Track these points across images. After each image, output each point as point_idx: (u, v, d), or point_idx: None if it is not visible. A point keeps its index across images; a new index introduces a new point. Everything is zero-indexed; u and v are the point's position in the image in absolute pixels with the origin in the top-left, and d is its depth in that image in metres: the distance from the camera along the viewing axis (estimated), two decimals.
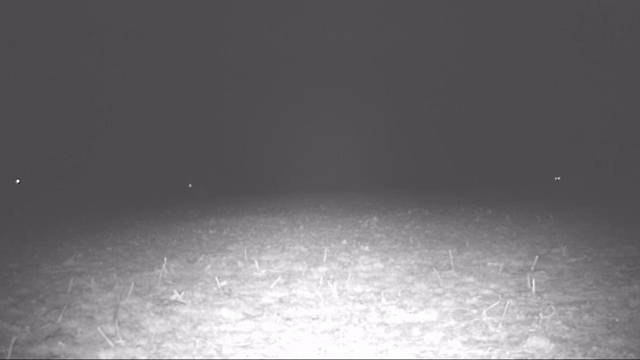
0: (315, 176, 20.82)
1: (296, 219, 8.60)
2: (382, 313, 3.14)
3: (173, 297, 3.56)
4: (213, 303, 3.46)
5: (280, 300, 3.52)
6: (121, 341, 2.73)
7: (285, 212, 9.67)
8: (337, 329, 2.87)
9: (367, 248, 5.45)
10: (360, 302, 3.40)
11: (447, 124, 24.92)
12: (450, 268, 4.36)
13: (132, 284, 3.91)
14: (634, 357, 2.37)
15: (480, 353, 2.47)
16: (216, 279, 4.09)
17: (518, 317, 2.96)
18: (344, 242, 5.91)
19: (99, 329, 2.87)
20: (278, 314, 3.18)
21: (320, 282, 3.95)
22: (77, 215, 11.23)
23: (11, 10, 20.91)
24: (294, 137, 24.23)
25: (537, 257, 4.53)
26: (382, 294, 3.57)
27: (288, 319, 3.10)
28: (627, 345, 2.51)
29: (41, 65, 22.05)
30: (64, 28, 22.19)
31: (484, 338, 2.67)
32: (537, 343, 2.51)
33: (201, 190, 17.95)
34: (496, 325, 2.83)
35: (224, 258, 5.06)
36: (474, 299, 3.39)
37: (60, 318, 3.12)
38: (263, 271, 4.42)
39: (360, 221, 7.91)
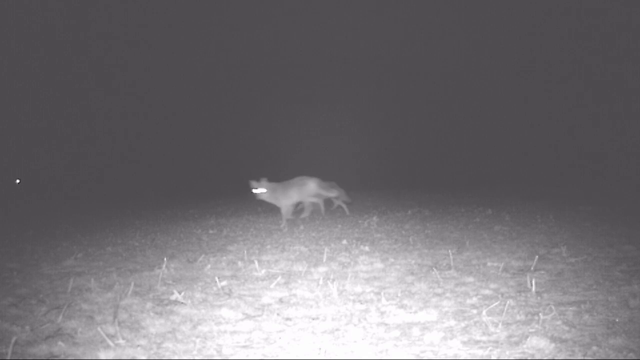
0: (315, 176, 20.81)
1: (296, 219, 8.60)
2: (382, 313, 3.14)
3: (173, 297, 3.56)
4: (213, 303, 3.46)
5: (280, 300, 3.52)
6: (121, 341, 2.73)
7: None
8: (337, 329, 2.88)
9: (367, 248, 5.45)
10: (360, 302, 3.40)
11: (447, 124, 24.94)
12: (450, 268, 4.37)
13: (132, 284, 3.92)
14: (634, 357, 2.38)
15: (480, 353, 2.48)
16: (216, 279, 4.09)
17: (518, 317, 2.96)
18: (344, 242, 5.91)
19: (99, 329, 2.87)
20: (278, 314, 3.18)
21: (320, 282, 3.95)
22: (77, 215, 11.23)
23: (12, 9, 20.95)
24: (294, 137, 24.24)
25: (537, 257, 4.53)
26: (382, 294, 3.57)
27: (288, 319, 3.10)
28: (627, 345, 2.51)
29: (41, 65, 22.07)
30: (63, 27, 22.21)
31: (484, 338, 2.67)
32: (537, 343, 2.52)
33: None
34: (496, 325, 2.83)
35: (224, 258, 5.06)
36: (474, 299, 3.39)
37: (60, 318, 3.12)
38: (263, 271, 4.42)
39: (360, 221, 7.91)
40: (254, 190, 7.67)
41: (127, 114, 24.18)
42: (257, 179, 7.69)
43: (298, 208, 9.33)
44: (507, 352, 2.47)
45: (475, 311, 3.12)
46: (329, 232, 6.89)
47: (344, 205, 9.38)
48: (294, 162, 23.17)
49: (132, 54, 24.03)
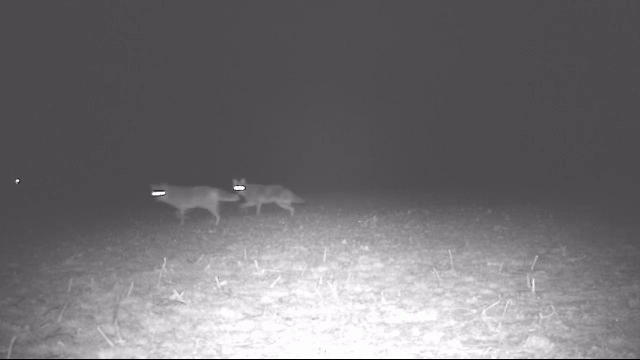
0: (315, 176, 20.81)
1: (296, 219, 8.60)
2: (382, 313, 3.14)
3: (173, 297, 3.57)
4: (213, 303, 3.46)
5: (280, 300, 3.52)
6: (121, 341, 2.73)
7: (285, 212, 9.67)
8: (337, 329, 2.88)
9: (367, 248, 5.45)
10: (360, 302, 3.40)
11: (447, 124, 24.94)
12: (450, 268, 4.37)
13: (132, 284, 3.92)
14: (634, 357, 2.38)
15: (480, 353, 2.48)
16: (216, 279, 4.09)
17: (518, 317, 2.96)
18: (344, 242, 5.92)
19: (99, 329, 2.87)
20: (278, 314, 3.18)
21: (320, 282, 3.95)
22: (77, 215, 11.23)
23: (14, 10, 20.95)
24: (293, 137, 24.24)
25: (537, 257, 4.53)
26: (382, 294, 3.58)
27: (288, 319, 3.10)
28: (627, 345, 2.51)
29: (41, 65, 22.07)
30: (64, 27, 22.20)
31: (484, 338, 2.67)
32: (537, 343, 2.52)
33: None
34: (496, 325, 2.84)
35: (224, 258, 5.06)
36: (474, 299, 3.39)
37: (60, 318, 3.13)
38: (263, 271, 4.43)
39: (360, 221, 7.91)
40: (153, 193, 8.33)
41: (126, 114, 24.20)
42: (158, 183, 8.33)
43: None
44: (507, 352, 2.47)
45: (475, 311, 3.12)
46: (329, 232, 6.90)
47: (290, 209, 9.43)
48: (294, 162, 23.17)
49: (133, 54, 24.04)
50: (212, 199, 8.50)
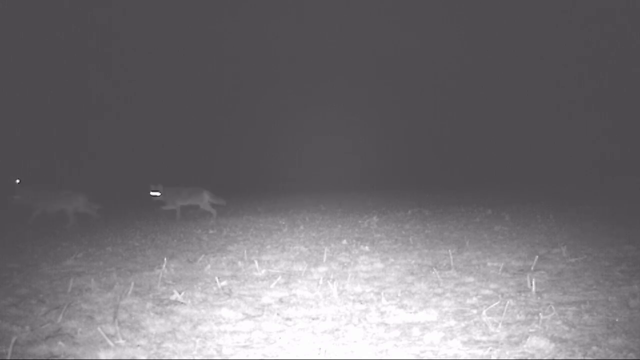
0: (315, 176, 20.80)
1: (296, 219, 8.60)
2: (382, 313, 3.14)
3: (173, 297, 3.57)
4: (213, 303, 3.46)
5: (280, 300, 3.53)
6: (121, 341, 2.73)
7: (285, 212, 9.67)
8: (337, 329, 2.88)
9: (367, 248, 5.45)
10: (360, 302, 3.40)
11: (447, 124, 24.93)
12: (450, 268, 4.37)
13: (132, 284, 3.92)
14: (634, 357, 2.38)
15: (480, 353, 2.48)
16: (216, 279, 4.10)
17: (518, 317, 2.97)
18: (344, 242, 5.92)
19: (99, 329, 2.87)
20: (278, 314, 3.18)
21: (320, 282, 3.95)
22: (76, 215, 11.19)
23: (12, 10, 20.95)
24: (293, 137, 24.23)
25: (537, 257, 4.53)
26: (382, 294, 3.58)
27: (288, 319, 3.11)
28: (627, 345, 2.51)
29: (41, 64, 22.07)
30: (62, 27, 22.20)
31: (484, 338, 2.67)
32: (537, 343, 2.52)
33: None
34: (496, 325, 2.84)
35: (224, 258, 5.06)
36: (474, 299, 3.39)
37: (60, 318, 3.13)
38: (263, 271, 4.43)
39: (360, 221, 7.91)
40: (14, 196, 8.82)
41: (124, 114, 24.19)
42: (19, 188, 8.95)
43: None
44: (507, 352, 2.47)
45: (475, 311, 3.12)
46: (329, 232, 6.90)
47: (212, 210, 9.21)
48: (294, 162, 23.17)
49: (139, 55, 24.02)
50: (79, 202, 8.90)
